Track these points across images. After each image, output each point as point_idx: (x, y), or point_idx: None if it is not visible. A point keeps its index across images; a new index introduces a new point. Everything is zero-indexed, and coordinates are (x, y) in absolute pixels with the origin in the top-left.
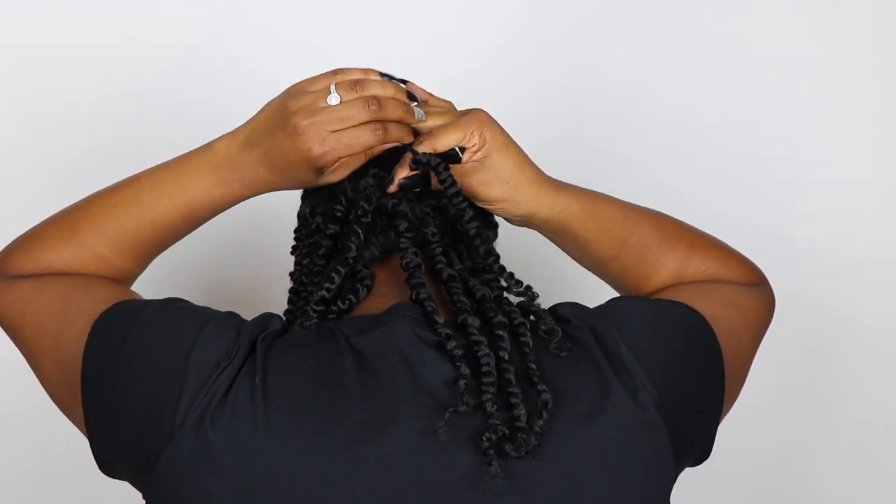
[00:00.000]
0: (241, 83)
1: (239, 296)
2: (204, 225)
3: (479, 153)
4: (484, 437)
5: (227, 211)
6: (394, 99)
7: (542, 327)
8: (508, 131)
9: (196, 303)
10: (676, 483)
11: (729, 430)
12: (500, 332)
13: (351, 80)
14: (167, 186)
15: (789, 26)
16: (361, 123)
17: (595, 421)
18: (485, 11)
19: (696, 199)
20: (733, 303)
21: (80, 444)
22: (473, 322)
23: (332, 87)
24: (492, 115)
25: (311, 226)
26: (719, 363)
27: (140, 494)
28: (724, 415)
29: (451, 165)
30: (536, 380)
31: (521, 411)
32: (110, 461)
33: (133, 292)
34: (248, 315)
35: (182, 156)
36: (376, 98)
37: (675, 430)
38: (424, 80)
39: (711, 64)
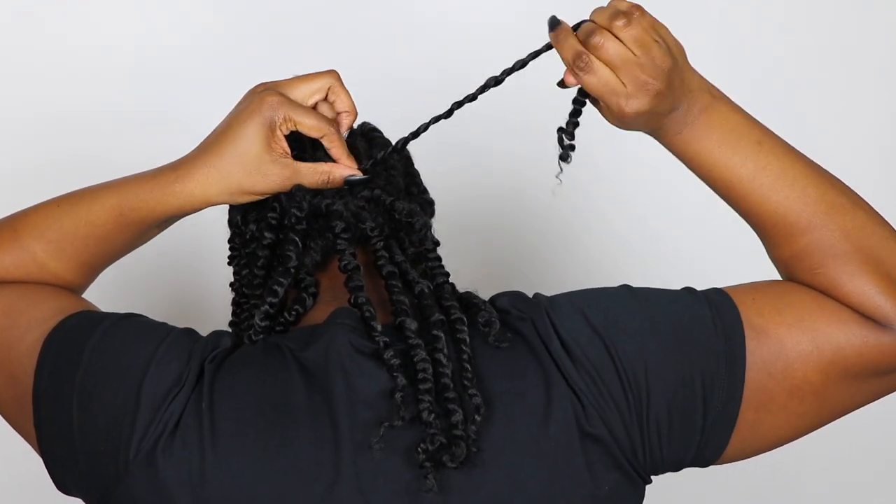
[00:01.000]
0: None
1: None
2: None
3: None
4: (419, 449)
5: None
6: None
7: (480, 320)
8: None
9: (161, 311)
10: (668, 481)
11: None
12: (437, 332)
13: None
14: (108, 187)
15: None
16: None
17: (537, 419)
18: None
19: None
20: (807, 327)
21: None
22: (411, 325)
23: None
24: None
25: (246, 235)
26: (731, 371)
27: None
28: (755, 443)
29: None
30: (467, 383)
31: (459, 417)
32: (67, 482)
33: (84, 300)
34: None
35: None
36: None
37: (617, 430)
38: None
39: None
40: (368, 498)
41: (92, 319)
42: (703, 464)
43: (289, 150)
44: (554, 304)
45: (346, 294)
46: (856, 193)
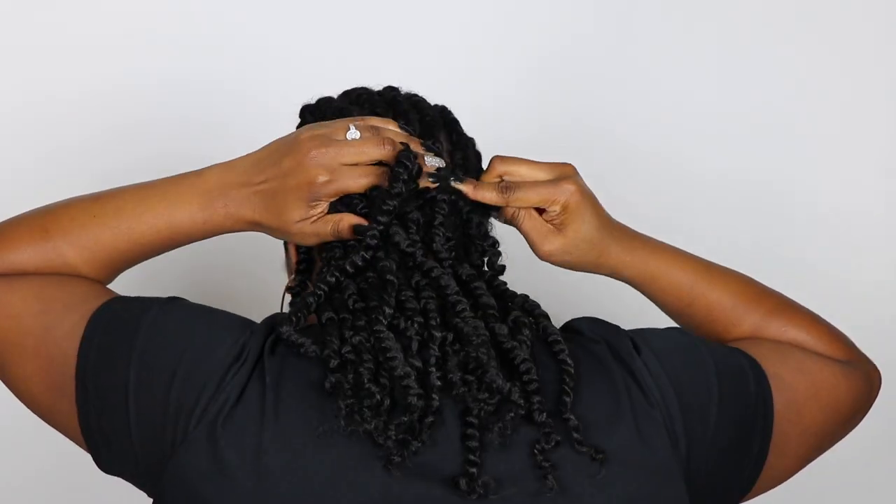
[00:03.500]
0: (242, 99)
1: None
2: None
3: (557, 221)
4: (536, 448)
5: None
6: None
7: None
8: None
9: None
10: None
11: None
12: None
13: (370, 124)
14: (152, 205)
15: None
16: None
17: (603, 447)
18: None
19: (699, 231)
20: (805, 370)
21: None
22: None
23: (352, 126)
24: (580, 175)
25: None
26: (764, 419)
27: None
28: (764, 484)
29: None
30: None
31: (574, 423)
32: (112, 460)
33: (110, 290)
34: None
35: (170, 178)
36: (391, 140)
37: (691, 462)
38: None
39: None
40: (429, 488)
41: (140, 301)
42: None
43: (326, 209)
44: (639, 330)
45: None
46: None
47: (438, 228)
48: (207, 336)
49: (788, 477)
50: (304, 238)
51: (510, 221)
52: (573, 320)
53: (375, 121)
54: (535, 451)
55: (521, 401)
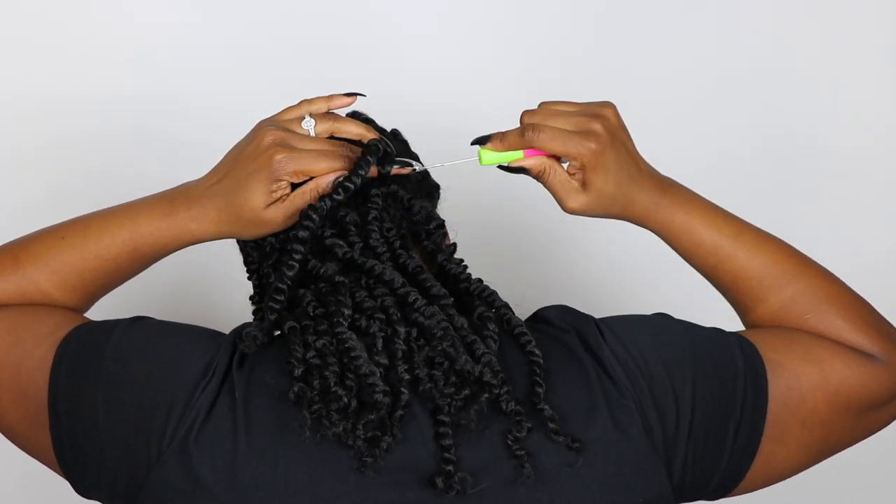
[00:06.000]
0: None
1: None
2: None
3: (578, 178)
4: (509, 439)
5: None
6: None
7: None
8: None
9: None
10: None
11: None
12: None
13: (324, 113)
14: (117, 218)
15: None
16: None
17: (580, 437)
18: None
19: None
20: (813, 358)
21: None
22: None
23: (307, 116)
24: (614, 120)
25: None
26: (754, 405)
27: None
28: (768, 474)
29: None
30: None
31: (550, 416)
32: (89, 484)
33: (85, 318)
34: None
35: (139, 198)
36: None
37: (668, 448)
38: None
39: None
40: (405, 490)
41: (105, 323)
42: (719, 494)
43: (289, 191)
44: (606, 320)
45: None
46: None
47: (373, 224)
48: (173, 354)
49: (798, 469)
50: (275, 224)
51: (538, 178)
52: (543, 309)
53: (322, 102)
54: (509, 440)
55: (494, 380)
